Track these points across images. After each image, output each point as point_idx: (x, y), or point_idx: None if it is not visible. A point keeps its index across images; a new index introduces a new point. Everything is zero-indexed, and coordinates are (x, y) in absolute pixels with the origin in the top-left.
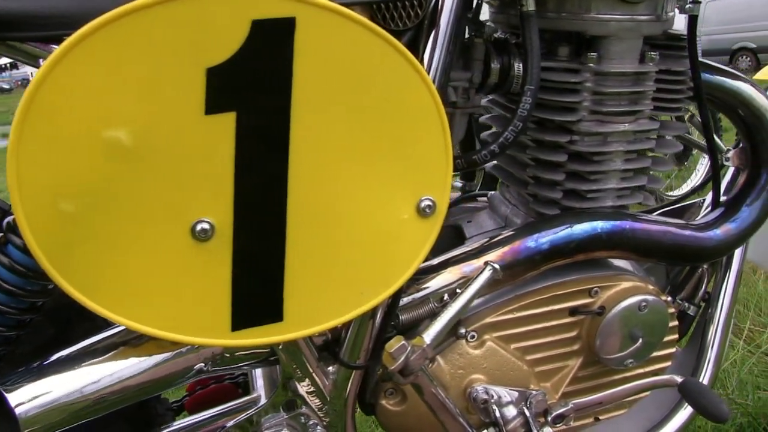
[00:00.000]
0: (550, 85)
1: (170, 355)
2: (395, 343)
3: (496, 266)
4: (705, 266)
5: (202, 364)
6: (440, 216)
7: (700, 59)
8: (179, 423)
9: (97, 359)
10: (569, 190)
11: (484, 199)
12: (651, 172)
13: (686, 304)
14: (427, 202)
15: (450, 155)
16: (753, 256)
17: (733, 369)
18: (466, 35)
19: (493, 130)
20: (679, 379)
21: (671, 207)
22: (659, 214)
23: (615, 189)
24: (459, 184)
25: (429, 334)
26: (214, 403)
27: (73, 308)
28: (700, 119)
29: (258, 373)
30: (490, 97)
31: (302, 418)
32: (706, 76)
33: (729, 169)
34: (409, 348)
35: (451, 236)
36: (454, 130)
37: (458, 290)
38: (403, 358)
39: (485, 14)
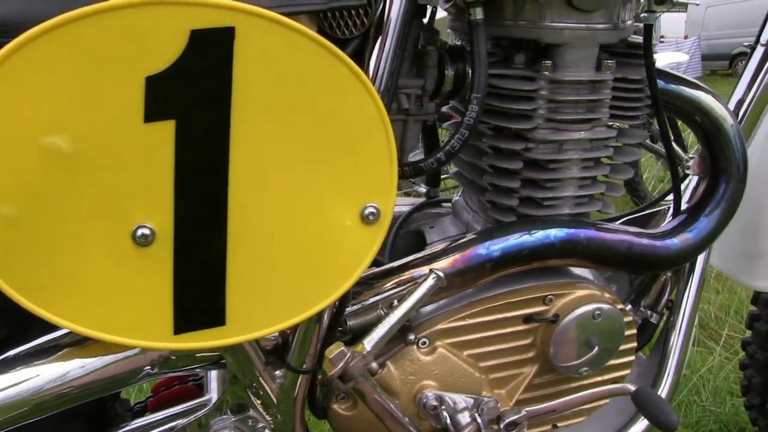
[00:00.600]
0: (506, 93)
1: (117, 357)
2: (335, 349)
3: (440, 274)
4: (668, 274)
5: (149, 367)
6: (385, 222)
7: (661, 68)
8: (134, 423)
9: (44, 360)
10: (525, 197)
11: (449, 204)
12: (610, 180)
13: (649, 312)
14: (371, 209)
15: (395, 163)
16: (720, 264)
17: (710, 375)
18: (420, 43)
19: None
20: (632, 387)
21: (638, 214)
22: (624, 222)
23: (572, 197)
24: (423, 189)
25: (369, 341)
26: (178, 404)
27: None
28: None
29: (213, 375)
30: (451, 104)
31: (250, 421)
32: (665, 84)
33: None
34: (348, 354)
35: (413, 242)
36: (408, 136)
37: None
38: (342, 364)
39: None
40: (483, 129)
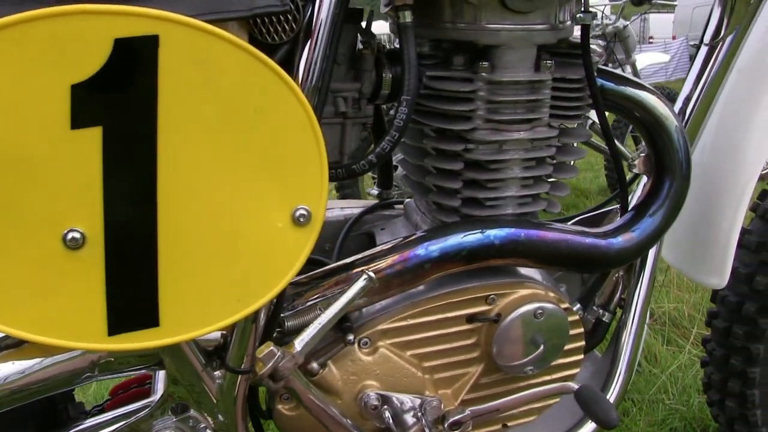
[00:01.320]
0: (445, 94)
1: (56, 359)
2: (264, 349)
3: (371, 275)
4: (620, 273)
5: (90, 369)
6: (316, 224)
7: (603, 68)
8: (80, 425)
9: None
10: (468, 198)
11: (402, 206)
12: (554, 179)
13: (601, 311)
14: (302, 212)
15: (325, 166)
16: (673, 261)
17: (679, 373)
18: (358, 47)
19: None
20: (575, 386)
21: (592, 213)
22: (578, 221)
23: (515, 197)
24: (375, 191)
25: (300, 341)
26: None
27: None
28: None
29: (160, 375)
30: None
31: (191, 421)
32: (607, 84)
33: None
34: (278, 353)
35: (365, 243)
36: (346, 139)
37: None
38: (271, 363)
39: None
40: (426, 131)
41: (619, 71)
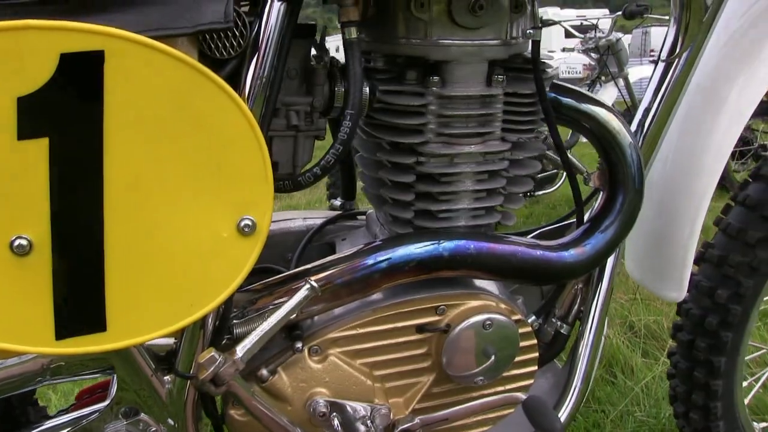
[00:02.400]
0: (398, 108)
1: (5, 363)
2: (206, 354)
3: (314, 284)
4: (579, 285)
5: (41, 373)
6: (261, 234)
7: (558, 83)
8: (36, 428)
9: None
10: (421, 210)
11: (363, 217)
12: (509, 192)
13: (559, 323)
14: (247, 221)
15: (270, 177)
16: (635, 274)
17: (653, 385)
18: (310, 61)
19: (360, 153)
20: (523, 396)
21: (554, 227)
22: (537, 235)
23: (468, 209)
24: (338, 202)
25: (242, 347)
26: None
27: None
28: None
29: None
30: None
31: (141, 424)
32: (562, 99)
33: None
34: (219, 359)
35: (325, 253)
36: (299, 152)
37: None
38: (212, 368)
39: None
40: (382, 144)
41: (611, 84)
